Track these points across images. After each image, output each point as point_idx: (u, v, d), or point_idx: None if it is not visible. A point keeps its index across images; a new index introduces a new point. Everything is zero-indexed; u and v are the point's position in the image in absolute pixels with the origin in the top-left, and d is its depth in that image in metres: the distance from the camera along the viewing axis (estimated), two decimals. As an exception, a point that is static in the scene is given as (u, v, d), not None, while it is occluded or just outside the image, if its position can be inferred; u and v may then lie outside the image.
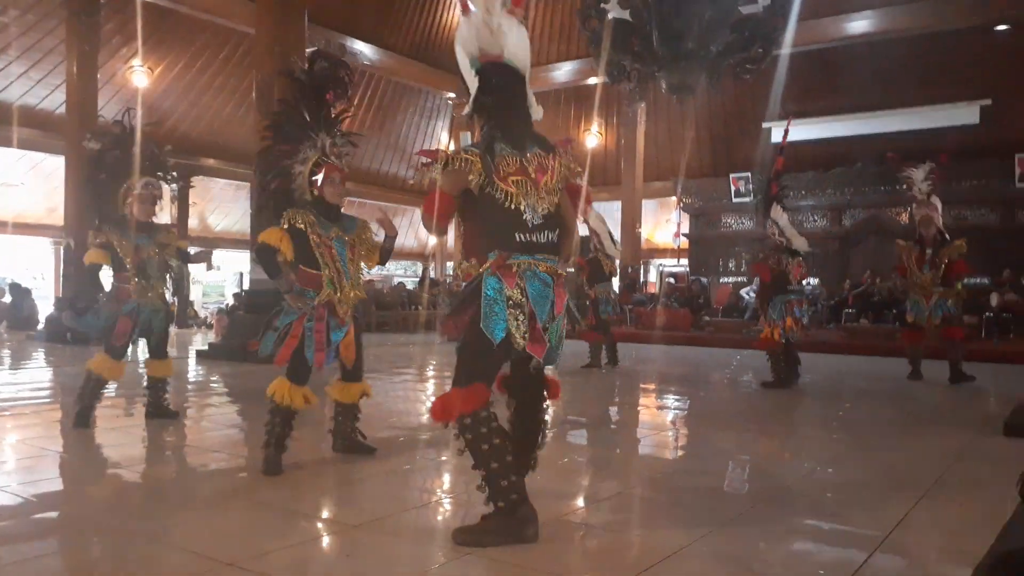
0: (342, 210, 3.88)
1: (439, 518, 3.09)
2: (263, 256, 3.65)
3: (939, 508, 3.24)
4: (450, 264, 21.40)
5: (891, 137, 16.10)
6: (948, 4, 14.30)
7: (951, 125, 15.44)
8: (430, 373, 7.76)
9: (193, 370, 8.58)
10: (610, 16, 9.17)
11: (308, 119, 3.83)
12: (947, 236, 7.53)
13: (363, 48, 17.77)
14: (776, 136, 17.22)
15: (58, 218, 14.94)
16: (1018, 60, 14.67)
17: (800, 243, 7.12)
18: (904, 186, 8.29)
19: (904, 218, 15.86)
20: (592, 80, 18.21)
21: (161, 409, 5.02)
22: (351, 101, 3.99)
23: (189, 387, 7.29)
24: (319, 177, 3.73)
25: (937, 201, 7.62)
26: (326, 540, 2.79)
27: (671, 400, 6.46)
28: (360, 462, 3.94)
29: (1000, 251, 13.46)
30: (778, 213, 7.15)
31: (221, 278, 24.04)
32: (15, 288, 16.70)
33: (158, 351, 5.01)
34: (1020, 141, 14.59)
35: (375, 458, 4.02)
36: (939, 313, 7.31)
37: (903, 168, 8.12)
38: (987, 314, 12.23)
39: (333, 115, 3.92)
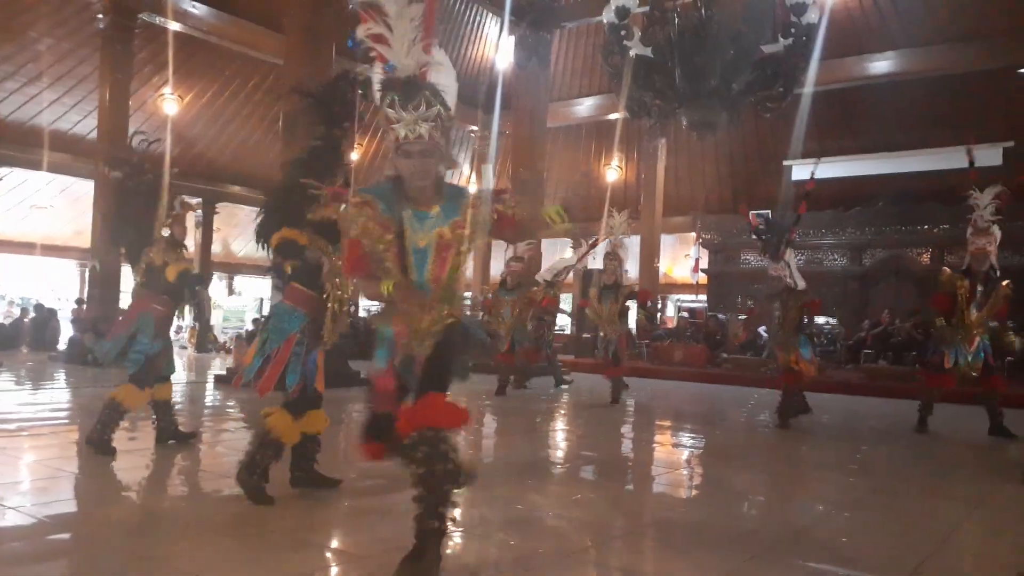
0: None
1: (449, 550, 3.08)
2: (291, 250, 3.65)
3: (957, 556, 3.19)
4: (467, 293, 21.43)
5: (913, 177, 16.07)
6: (969, 46, 14.33)
7: (975, 166, 15.37)
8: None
9: (211, 395, 8.63)
10: (632, 53, 9.27)
11: (336, 147, 3.86)
12: (998, 273, 6.79)
13: (387, 80, 18.07)
14: (797, 174, 17.24)
15: (84, 240, 15.19)
16: (1041, 103, 14.64)
17: (802, 284, 7.04)
18: (929, 225, 7.98)
19: (926, 259, 15.76)
20: (614, 115, 18.34)
21: (176, 432, 4.97)
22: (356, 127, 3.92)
23: (206, 411, 7.33)
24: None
25: (998, 232, 6.81)
26: (334, 571, 2.79)
27: (686, 438, 6.41)
28: (371, 493, 3.94)
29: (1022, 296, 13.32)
30: (790, 256, 7.04)
31: (242, 304, 24.26)
32: (39, 308, 16.94)
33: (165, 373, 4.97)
34: (1043, 184, 14.50)
35: (385, 489, 4.00)
36: (980, 358, 6.65)
37: (967, 191, 7.21)
38: (1008, 358, 12.04)
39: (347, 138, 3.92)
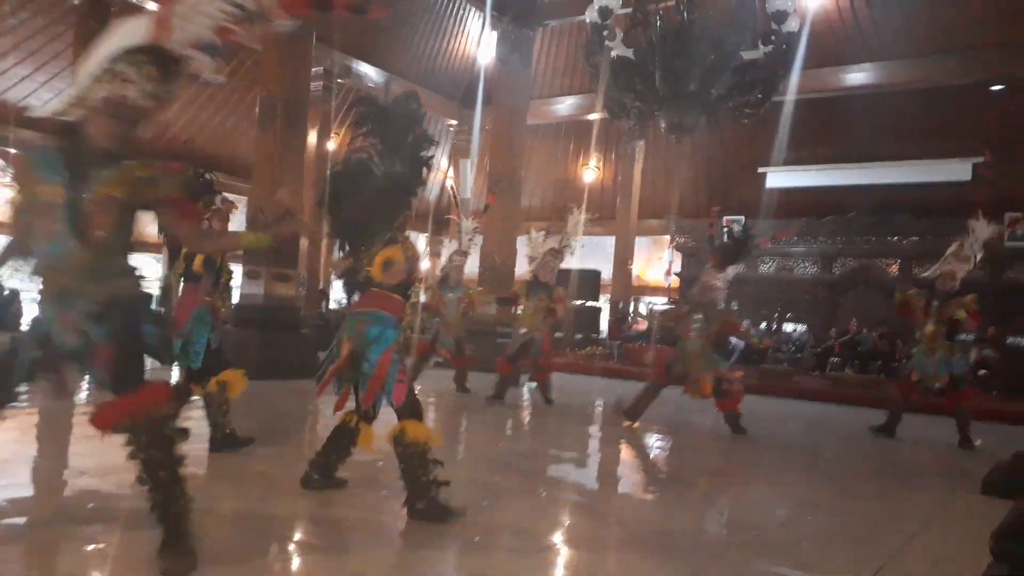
0: None
1: (416, 546, 3.06)
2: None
3: (914, 562, 3.24)
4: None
5: (885, 188, 16.30)
6: (945, 61, 14.55)
7: (944, 180, 15.63)
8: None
9: (173, 380, 8.50)
10: (614, 54, 9.28)
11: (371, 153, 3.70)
12: (958, 290, 7.05)
13: (368, 70, 17.92)
14: (772, 181, 17.42)
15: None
16: (1011, 120, 14.90)
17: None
18: (900, 236, 8.10)
19: (895, 269, 16.00)
20: (593, 115, 18.39)
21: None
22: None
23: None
24: None
25: (972, 263, 7.15)
26: (296, 562, 2.76)
27: (653, 439, 6.44)
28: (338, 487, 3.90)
29: (987, 308, 13.57)
30: (731, 273, 6.92)
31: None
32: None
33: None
34: (1011, 199, 14.77)
35: (352, 483, 3.98)
36: (945, 372, 6.89)
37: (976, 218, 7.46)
38: (983, 371, 12.28)
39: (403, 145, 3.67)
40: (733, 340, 6.88)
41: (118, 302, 2.47)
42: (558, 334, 11.13)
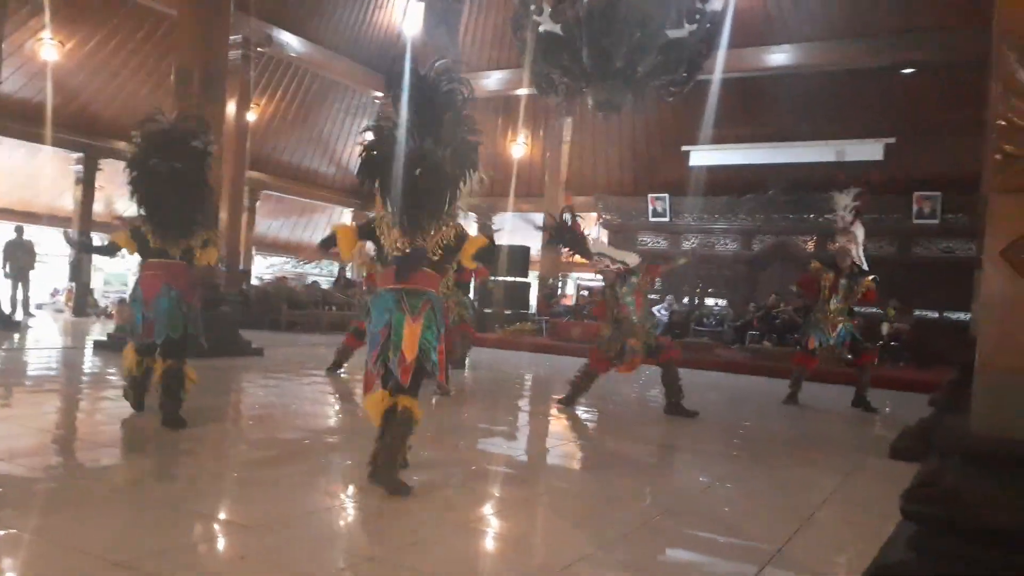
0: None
1: (340, 523, 3.03)
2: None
3: (829, 524, 3.39)
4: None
5: (802, 167, 16.83)
6: (859, 44, 15.06)
7: (858, 160, 16.23)
8: (339, 374, 7.62)
9: (89, 361, 8.17)
10: (541, 28, 9.25)
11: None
12: (863, 267, 7.56)
13: (290, 39, 17.39)
14: (695, 160, 17.76)
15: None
16: (920, 102, 15.55)
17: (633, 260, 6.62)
18: (815, 214, 8.42)
19: (811, 246, 16.56)
20: (521, 91, 18.34)
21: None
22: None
23: (84, 378, 6.94)
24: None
25: (859, 230, 7.59)
26: (220, 541, 2.70)
27: (580, 412, 6.53)
28: (263, 464, 3.83)
29: (896, 283, 14.23)
30: (600, 246, 6.92)
31: (124, 267, 23.04)
32: None
33: None
34: (919, 179, 15.46)
35: (276, 460, 3.92)
36: (843, 340, 7.39)
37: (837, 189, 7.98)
38: (879, 342, 12.88)
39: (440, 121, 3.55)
40: (658, 312, 6.94)
41: None
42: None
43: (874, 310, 12.95)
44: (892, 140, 15.91)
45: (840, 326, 7.42)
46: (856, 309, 7.90)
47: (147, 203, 4.79)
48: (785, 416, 7.09)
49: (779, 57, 15.88)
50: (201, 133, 5.00)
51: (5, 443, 3.70)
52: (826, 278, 7.52)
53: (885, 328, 13.40)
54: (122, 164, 5.25)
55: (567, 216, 6.53)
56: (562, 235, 6.48)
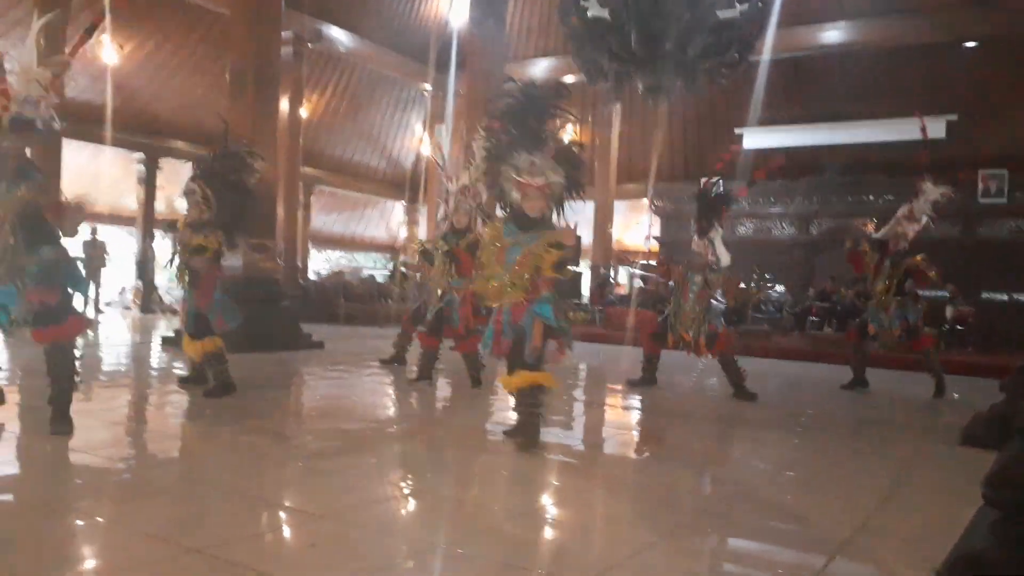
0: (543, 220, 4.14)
1: (404, 512, 3.08)
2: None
3: (899, 512, 3.31)
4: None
5: (860, 148, 16.40)
6: (920, 19, 14.57)
7: (918, 138, 15.72)
8: (398, 366, 7.72)
9: (157, 356, 8.44)
10: (589, 14, 9.17)
11: (511, 140, 4.10)
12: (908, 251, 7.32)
13: (339, 35, 17.61)
14: (748, 142, 17.44)
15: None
16: (984, 77, 15.00)
17: (726, 261, 6.72)
18: (875, 195, 8.14)
19: (871, 228, 16.14)
20: (569, 78, 18.24)
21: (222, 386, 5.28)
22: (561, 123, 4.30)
23: (153, 373, 7.17)
24: (516, 192, 4.05)
25: (923, 223, 7.30)
26: (290, 529, 2.76)
27: (636, 401, 6.50)
28: (327, 455, 3.91)
29: (960, 265, 13.79)
30: (716, 233, 6.71)
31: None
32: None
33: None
34: (984, 157, 14.92)
35: (340, 451, 3.99)
36: (897, 323, 7.17)
37: (920, 174, 7.66)
38: (943, 326, 12.51)
39: (543, 135, 4.12)
40: (713, 301, 6.85)
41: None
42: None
43: (938, 293, 12.59)
44: (954, 117, 15.37)
45: (893, 307, 7.19)
46: (920, 293, 7.60)
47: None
48: (847, 403, 6.94)
49: (833, 35, 15.48)
50: (249, 157, 5.64)
51: (83, 435, 3.85)
52: (872, 258, 7.34)
53: (949, 311, 13.00)
54: (180, 163, 5.77)
55: (720, 195, 6.77)
56: (703, 209, 6.71)
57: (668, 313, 6.77)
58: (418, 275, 7.41)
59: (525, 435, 4.07)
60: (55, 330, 3.85)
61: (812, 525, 3.03)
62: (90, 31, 4.65)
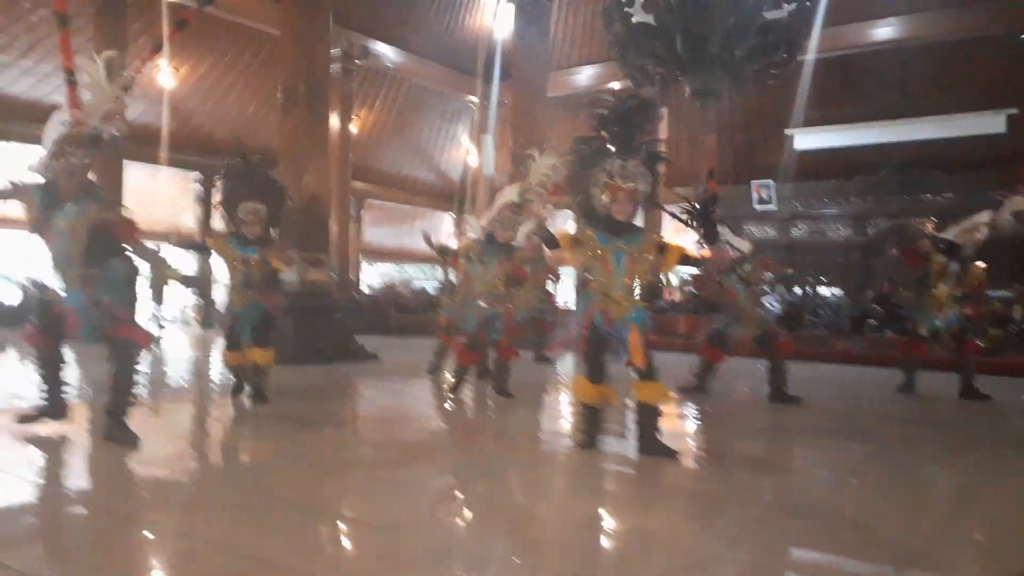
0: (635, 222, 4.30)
1: (460, 522, 3.09)
2: (548, 241, 4.28)
3: (971, 521, 3.20)
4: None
5: (915, 145, 15.98)
6: (973, 12, 14.17)
7: (977, 134, 15.28)
8: (450, 377, 7.75)
9: (217, 371, 8.63)
10: (634, 20, 9.14)
11: (603, 147, 4.27)
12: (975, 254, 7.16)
13: (385, 50, 17.86)
14: (799, 143, 17.15)
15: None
16: (1047, 69, 14.50)
17: (746, 247, 6.74)
18: (933, 194, 7.84)
19: (930, 228, 15.71)
20: (614, 84, 18.17)
21: (259, 394, 5.66)
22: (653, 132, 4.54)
23: (213, 387, 7.34)
24: (607, 197, 4.15)
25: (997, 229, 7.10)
26: (355, 541, 2.80)
27: (690, 408, 6.42)
28: (385, 466, 3.95)
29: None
30: (724, 231, 6.61)
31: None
32: (39, 286, 16.88)
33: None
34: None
35: (397, 461, 4.03)
36: (952, 325, 7.05)
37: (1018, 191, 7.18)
38: (1010, 326, 12.07)
39: (634, 143, 4.28)
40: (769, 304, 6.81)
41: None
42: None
43: (1004, 293, 12.18)
44: (1015, 111, 14.87)
45: (950, 311, 7.04)
46: (988, 294, 7.41)
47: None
48: (909, 408, 6.75)
49: (884, 31, 15.14)
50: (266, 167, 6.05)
51: (150, 450, 3.96)
52: (936, 261, 7.10)
53: (1019, 312, 12.55)
54: None
55: (707, 199, 6.63)
56: (699, 218, 6.55)
57: (727, 320, 6.73)
58: (450, 271, 7.64)
59: (659, 450, 4.13)
60: (128, 328, 4.03)
61: (879, 534, 2.95)
62: (158, 47, 5.20)
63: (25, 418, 4.38)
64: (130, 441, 3.95)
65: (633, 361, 4.12)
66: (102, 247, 3.98)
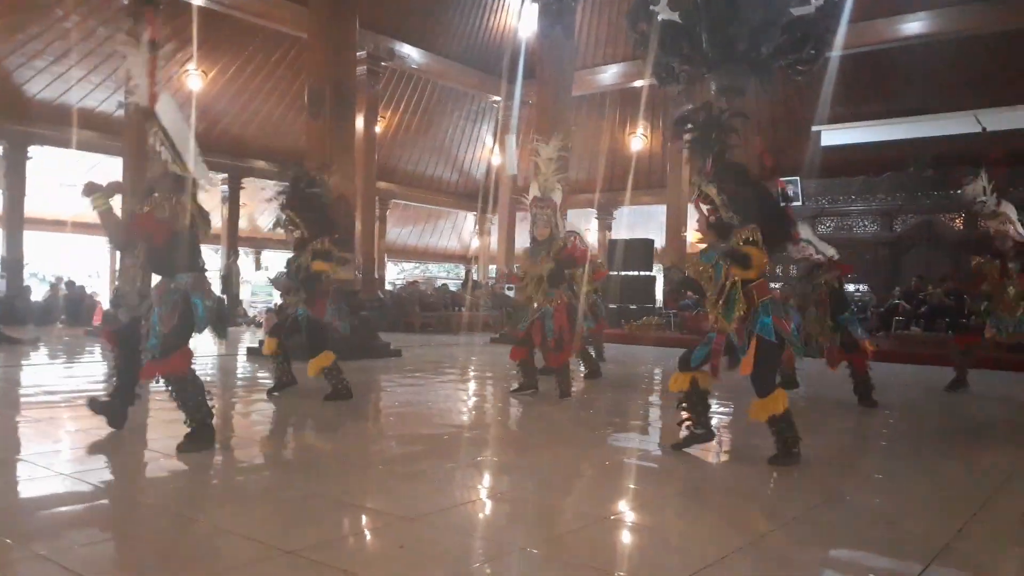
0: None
1: (484, 516, 3.11)
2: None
3: (999, 519, 3.16)
4: (492, 267, 21.45)
5: (944, 140, 15.74)
6: (1003, 6, 13.92)
7: (1009, 128, 15.01)
8: (472, 373, 7.80)
9: (242, 367, 8.74)
10: (659, 18, 9.11)
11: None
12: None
13: (410, 51, 17.96)
14: (827, 139, 16.97)
15: (114, 217, 15.34)
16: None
17: (831, 251, 6.54)
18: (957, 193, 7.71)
19: (959, 223, 15.48)
20: (639, 82, 18.12)
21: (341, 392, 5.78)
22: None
23: (238, 383, 7.43)
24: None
25: (1009, 208, 7.05)
26: (377, 532, 2.82)
27: (715, 404, 6.38)
28: (407, 459, 3.98)
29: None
30: (806, 231, 6.47)
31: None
32: (71, 286, 17.23)
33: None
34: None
35: (420, 455, 4.06)
36: (1021, 330, 6.91)
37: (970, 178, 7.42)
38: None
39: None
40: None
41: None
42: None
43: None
44: (1050, 104, 14.61)
45: (1019, 312, 6.87)
46: None
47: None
48: (939, 406, 6.66)
49: (914, 26, 14.93)
50: (320, 181, 6.33)
51: (170, 444, 4.01)
52: (993, 269, 6.99)
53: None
54: (262, 182, 6.22)
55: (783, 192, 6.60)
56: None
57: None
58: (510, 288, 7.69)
59: (784, 460, 3.93)
60: (153, 366, 3.88)
61: (906, 531, 2.92)
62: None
63: (93, 404, 4.34)
64: (203, 446, 3.91)
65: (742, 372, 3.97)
66: (158, 258, 3.91)
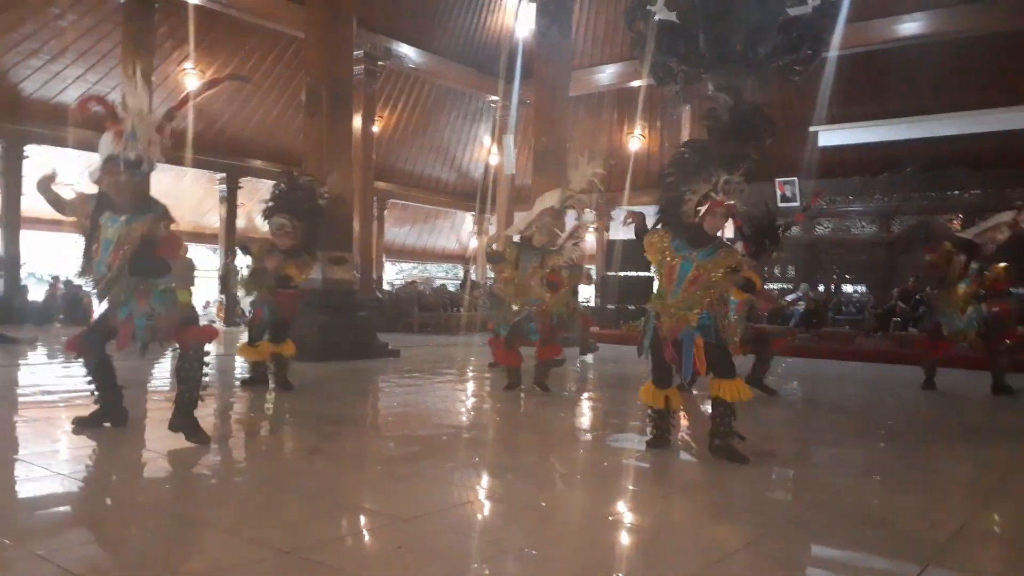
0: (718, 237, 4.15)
1: (483, 517, 3.11)
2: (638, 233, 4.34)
3: (997, 519, 3.17)
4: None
5: (941, 141, 15.76)
6: (1000, 6, 13.95)
7: (1007, 129, 15.04)
8: (470, 373, 7.80)
9: (240, 367, 8.72)
10: (656, 18, 9.10)
11: (708, 156, 4.20)
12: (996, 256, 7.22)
13: (408, 51, 17.94)
14: (824, 140, 16.98)
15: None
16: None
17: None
18: (960, 190, 7.80)
19: (956, 225, 15.51)
20: (636, 82, 18.13)
21: (284, 382, 6.25)
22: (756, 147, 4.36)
23: (236, 383, 7.42)
24: (703, 208, 4.01)
25: (1003, 215, 7.19)
26: (374, 532, 2.82)
27: (709, 407, 6.38)
28: (405, 460, 3.98)
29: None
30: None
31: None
32: (68, 285, 17.18)
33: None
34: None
35: (417, 456, 4.06)
36: (974, 326, 7.09)
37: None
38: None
39: (742, 157, 4.36)
40: (794, 298, 6.75)
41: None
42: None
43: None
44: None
45: (970, 310, 7.10)
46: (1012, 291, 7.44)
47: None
48: (933, 406, 6.68)
49: (911, 27, 14.95)
50: (318, 188, 6.56)
51: (170, 443, 4.01)
52: (957, 261, 7.11)
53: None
54: (259, 181, 6.39)
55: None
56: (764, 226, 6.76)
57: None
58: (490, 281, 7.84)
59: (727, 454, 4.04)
60: (194, 330, 4.11)
61: (903, 532, 2.92)
62: (213, 83, 5.44)
63: (81, 422, 4.34)
64: (201, 440, 4.02)
65: (698, 371, 4.06)
66: (148, 261, 3.98)
